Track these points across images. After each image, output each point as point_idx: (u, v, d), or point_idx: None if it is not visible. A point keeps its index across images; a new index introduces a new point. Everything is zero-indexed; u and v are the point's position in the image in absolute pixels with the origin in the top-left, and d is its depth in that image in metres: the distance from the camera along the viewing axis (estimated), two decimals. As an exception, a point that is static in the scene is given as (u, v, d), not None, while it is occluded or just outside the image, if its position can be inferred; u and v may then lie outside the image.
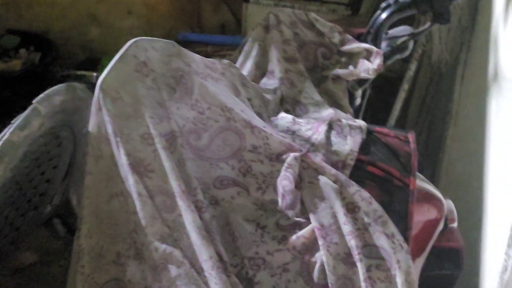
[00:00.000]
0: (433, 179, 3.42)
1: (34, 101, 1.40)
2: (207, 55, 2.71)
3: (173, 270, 1.39)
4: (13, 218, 1.55)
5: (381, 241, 1.44)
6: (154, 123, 1.44)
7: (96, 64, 3.44)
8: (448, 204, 1.76)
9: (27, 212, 1.63)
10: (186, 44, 3.02)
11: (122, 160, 1.41)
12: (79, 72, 2.76)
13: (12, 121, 1.37)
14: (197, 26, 3.73)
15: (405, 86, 3.23)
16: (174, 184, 1.42)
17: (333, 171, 1.49)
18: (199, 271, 1.39)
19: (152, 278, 1.40)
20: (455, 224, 1.79)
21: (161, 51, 1.47)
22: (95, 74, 2.54)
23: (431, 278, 1.83)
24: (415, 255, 1.61)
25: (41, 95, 1.42)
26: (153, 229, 1.40)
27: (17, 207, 1.55)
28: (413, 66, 3.22)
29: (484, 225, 2.57)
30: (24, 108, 1.39)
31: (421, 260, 1.64)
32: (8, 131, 1.34)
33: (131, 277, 1.41)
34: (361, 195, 1.48)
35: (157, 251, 1.39)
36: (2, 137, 1.33)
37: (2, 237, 1.54)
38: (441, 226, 1.67)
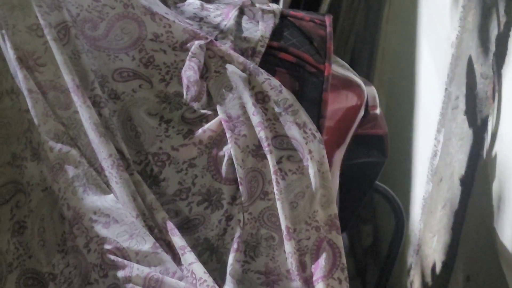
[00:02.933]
0: (370, 61, 3.37)
1: None
2: None
3: (70, 170, 1.30)
4: None
5: (292, 131, 1.37)
6: (42, 13, 1.33)
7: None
8: (371, 90, 1.68)
9: None
10: None
11: (10, 54, 1.30)
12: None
13: None
14: None
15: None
16: (68, 79, 1.32)
17: (241, 58, 1.40)
18: (99, 170, 1.31)
19: (51, 179, 1.32)
20: (377, 111, 1.73)
21: None
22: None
23: (357, 166, 1.80)
24: (336, 144, 1.55)
25: None
26: (47, 127, 1.30)
27: None
28: None
29: (416, 109, 2.55)
30: None
31: (342, 149, 1.58)
32: None
33: (29, 179, 1.33)
34: (270, 83, 1.39)
35: (52, 151, 1.30)
36: None
37: None
38: (361, 113, 1.60)
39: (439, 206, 2.18)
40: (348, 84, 1.60)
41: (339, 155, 1.58)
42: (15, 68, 1.30)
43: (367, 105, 1.64)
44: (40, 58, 1.32)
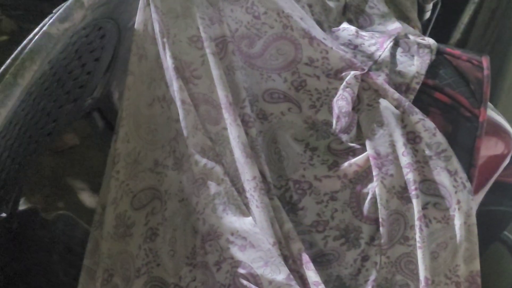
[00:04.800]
0: (493, 94, 3.24)
1: (77, -10, 1.28)
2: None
3: (213, 187, 1.29)
4: (50, 109, 1.47)
5: (442, 178, 1.32)
6: (204, 25, 1.32)
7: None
8: (517, 137, 1.61)
9: (66, 104, 1.55)
10: None
11: (168, 63, 1.30)
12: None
13: (54, 11, 1.26)
14: None
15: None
16: (221, 95, 1.30)
17: (396, 95, 1.36)
18: (240, 191, 1.29)
19: (190, 191, 1.31)
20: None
21: None
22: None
23: (486, 213, 1.72)
24: (474, 190, 1.49)
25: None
26: (195, 140, 1.30)
27: (55, 99, 1.47)
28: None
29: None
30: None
31: (480, 196, 1.52)
32: (47, 22, 1.23)
33: (167, 188, 1.33)
34: (424, 124, 1.34)
35: (197, 165, 1.29)
36: (41, 28, 1.22)
37: (39, 128, 1.47)
38: (507, 162, 1.53)
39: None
40: (497, 130, 1.53)
41: (476, 202, 1.51)
42: (171, 77, 1.30)
43: (513, 154, 1.57)
44: (197, 70, 1.32)
